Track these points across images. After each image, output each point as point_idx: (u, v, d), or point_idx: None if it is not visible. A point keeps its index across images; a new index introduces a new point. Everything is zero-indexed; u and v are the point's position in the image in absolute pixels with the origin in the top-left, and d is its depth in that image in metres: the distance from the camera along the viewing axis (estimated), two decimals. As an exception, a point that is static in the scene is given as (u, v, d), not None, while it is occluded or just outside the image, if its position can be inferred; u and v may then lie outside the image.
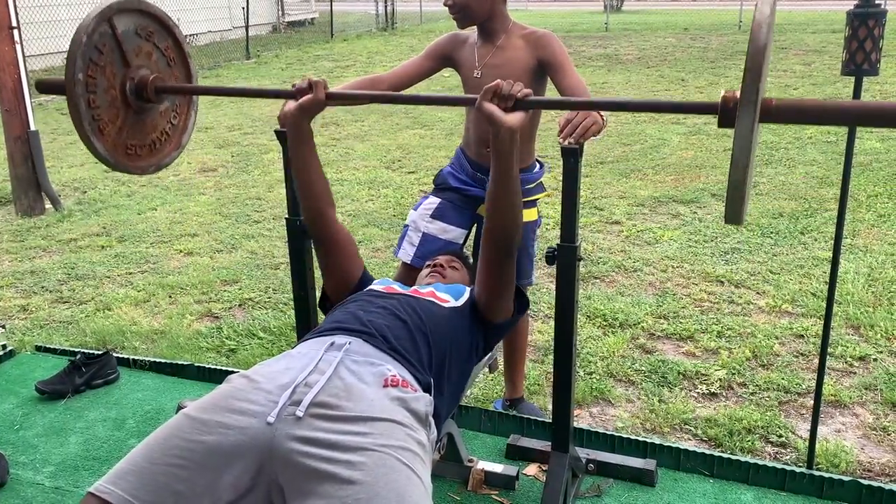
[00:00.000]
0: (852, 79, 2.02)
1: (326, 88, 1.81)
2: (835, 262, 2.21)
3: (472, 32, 2.48)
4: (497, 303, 1.90)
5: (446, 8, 2.36)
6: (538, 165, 2.56)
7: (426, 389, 1.63)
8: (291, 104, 1.83)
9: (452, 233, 2.52)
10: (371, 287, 1.96)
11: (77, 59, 1.72)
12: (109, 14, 1.79)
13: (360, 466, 1.34)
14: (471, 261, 2.38)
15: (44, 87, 1.92)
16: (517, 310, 1.97)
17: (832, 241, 2.21)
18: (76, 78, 1.73)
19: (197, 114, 2.13)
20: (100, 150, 1.85)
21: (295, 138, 1.87)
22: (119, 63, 1.85)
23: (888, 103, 1.31)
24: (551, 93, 2.45)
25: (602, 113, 1.99)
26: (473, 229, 2.60)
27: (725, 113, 1.38)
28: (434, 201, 2.56)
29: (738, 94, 1.37)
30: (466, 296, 1.94)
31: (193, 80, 2.07)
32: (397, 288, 1.94)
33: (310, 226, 1.97)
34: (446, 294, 1.93)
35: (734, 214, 1.26)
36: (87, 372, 2.89)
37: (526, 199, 2.52)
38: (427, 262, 2.28)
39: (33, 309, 3.81)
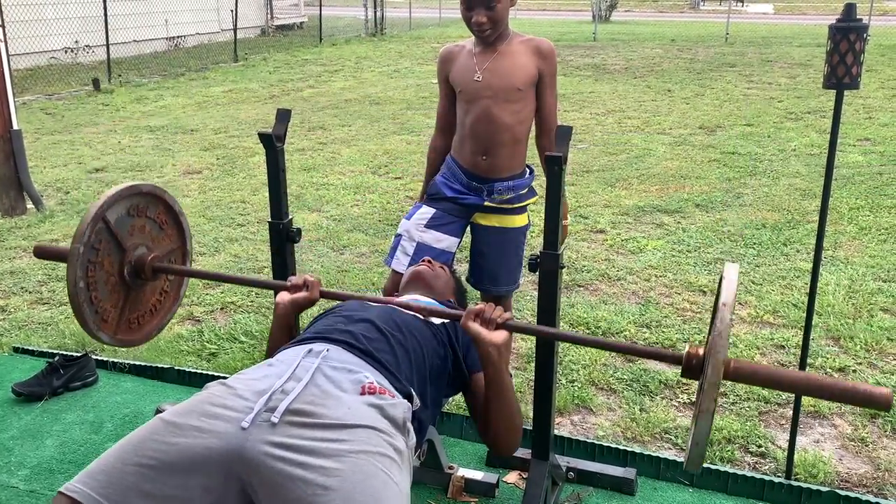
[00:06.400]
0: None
1: (321, 287, 1.91)
2: (814, 274, 2.23)
3: (466, 41, 2.50)
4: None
5: (477, 26, 2.37)
6: (528, 171, 2.58)
7: (405, 398, 1.62)
8: (286, 296, 1.91)
9: (446, 241, 2.53)
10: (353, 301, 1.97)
11: (77, 269, 1.76)
12: (102, 213, 1.81)
13: (336, 473, 1.34)
14: (457, 275, 2.39)
15: (44, 255, 1.96)
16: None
17: (814, 253, 2.23)
18: (78, 287, 1.77)
19: (192, 262, 2.20)
20: (105, 340, 1.91)
21: (279, 325, 1.93)
22: (116, 251, 1.89)
23: (829, 381, 1.42)
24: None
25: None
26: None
27: (689, 368, 1.54)
28: (428, 211, 2.56)
29: (700, 350, 1.52)
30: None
31: (186, 234, 2.12)
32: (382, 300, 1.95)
33: None
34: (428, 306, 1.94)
35: (695, 465, 1.41)
36: (65, 374, 2.86)
37: (517, 206, 2.55)
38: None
39: (12, 310, 3.76)
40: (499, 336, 1.71)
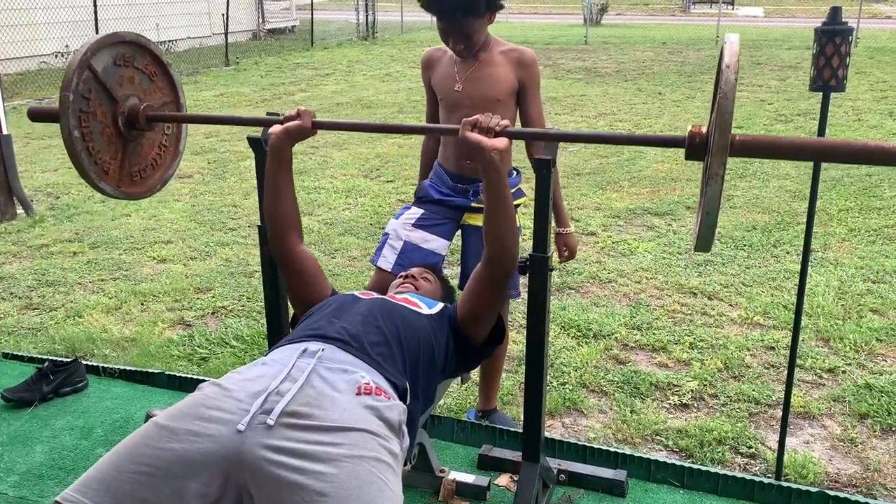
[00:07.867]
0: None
1: (313, 118, 1.91)
2: (803, 276, 2.25)
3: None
4: (480, 325, 1.92)
5: (454, 52, 2.39)
6: (514, 172, 2.58)
7: (402, 395, 1.62)
8: (277, 127, 1.91)
9: (434, 243, 2.51)
10: (345, 292, 1.96)
11: (69, 118, 1.78)
12: (87, 60, 1.83)
13: (332, 478, 1.34)
14: (444, 275, 2.39)
15: (39, 116, 1.96)
16: (495, 338, 1.99)
17: (802, 255, 2.25)
18: (73, 136, 1.79)
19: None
20: (108, 191, 1.93)
21: (274, 160, 1.93)
22: (107, 101, 1.91)
23: (830, 142, 1.40)
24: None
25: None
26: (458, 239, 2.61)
27: (692, 147, 1.49)
28: (417, 211, 2.56)
29: (703, 128, 1.48)
30: (439, 307, 1.95)
31: (178, 87, 2.14)
32: (373, 293, 1.94)
33: (272, 246, 1.98)
34: (420, 301, 1.94)
35: (705, 245, 1.38)
36: (54, 380, 2.85)
37: None
38: (400, 274, 2.29)
39: (1, 315, 3.75)
40: (500, 142, 1.72)
